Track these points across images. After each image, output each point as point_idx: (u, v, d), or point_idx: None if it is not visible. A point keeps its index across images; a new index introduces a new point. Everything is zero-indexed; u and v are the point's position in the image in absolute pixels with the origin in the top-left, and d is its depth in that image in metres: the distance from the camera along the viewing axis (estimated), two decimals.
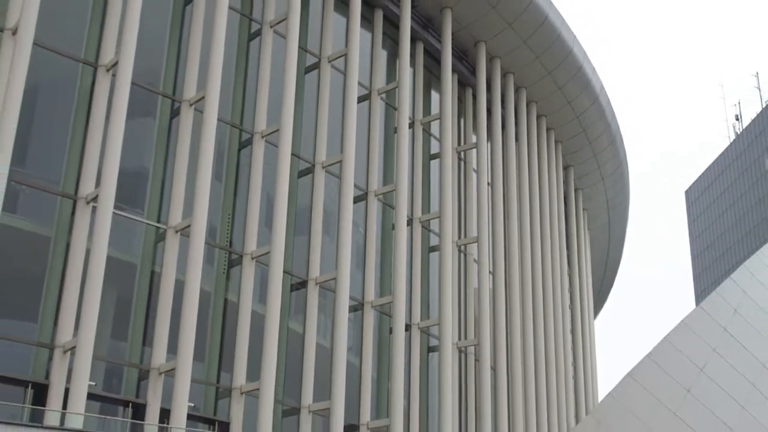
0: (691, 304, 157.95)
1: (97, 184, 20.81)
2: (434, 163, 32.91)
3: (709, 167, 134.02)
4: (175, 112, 23.89)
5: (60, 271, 20.44)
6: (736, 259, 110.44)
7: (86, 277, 19.74)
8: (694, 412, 27.05)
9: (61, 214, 21.00)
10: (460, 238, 33.02)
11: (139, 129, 23.22)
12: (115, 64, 21.74)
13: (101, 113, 21.62)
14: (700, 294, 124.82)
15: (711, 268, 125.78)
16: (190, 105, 23.76)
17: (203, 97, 23.28)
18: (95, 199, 20.58)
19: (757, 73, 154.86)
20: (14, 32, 20.33)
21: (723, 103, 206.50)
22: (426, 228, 31.54)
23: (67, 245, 20.65)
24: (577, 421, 39.39)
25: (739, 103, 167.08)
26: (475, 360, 31.66)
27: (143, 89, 23.15)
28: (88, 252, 20.15)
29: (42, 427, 14.28)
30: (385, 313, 28.24)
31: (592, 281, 50.92)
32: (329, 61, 28.59)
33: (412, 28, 31.62)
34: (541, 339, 35.89)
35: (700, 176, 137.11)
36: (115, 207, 20.68)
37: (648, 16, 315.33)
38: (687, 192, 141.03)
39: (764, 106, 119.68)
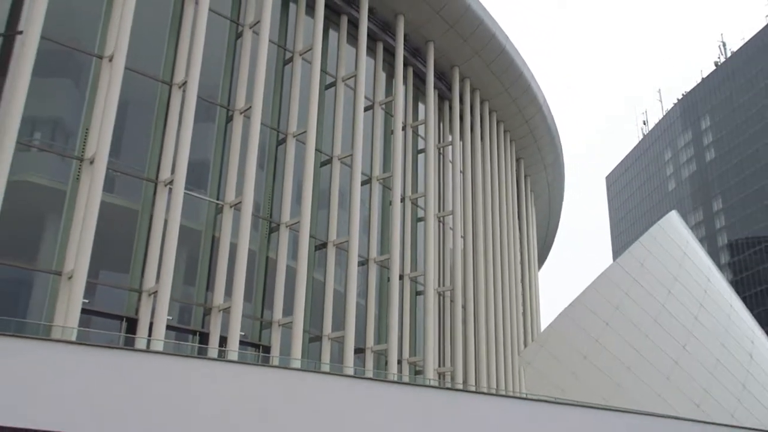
0: (609, 260, 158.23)
1: (172, 171, 20.81)
2: (421, 157, 32.85)
3: (624, 159, 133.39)
4: (229, 119, 23.83)
5: (145, 236, 20.50)
6: (644, 227, 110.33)
7: (165, 240, 19.79)
8: (610, 340, 27.20)
9: (145, 194, 21.01)
10: (439, 211, 33.06)
11: (203, 131, 23.16)
12: (185, 82, 21.69)
13: (175, 119, 21.57)
14: (616, 253, 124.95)
15: (624, 234, 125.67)
16: (241, 113, 23.69)
17: (250, 107, 23.22)
18: (171, 182, 20.60)
19: (660, 89, 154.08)
20: (110, 59, 20.27)
21: (634, 111, 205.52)
22: (414, 204, 31.57)
23: (150, 216, 20.69)
24: (525, 346, 39.65)
25: (645, 112, 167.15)
26: (450, 301, 31.80)
27: (205, 101, 23.07)
28: (165, 222, 20.20)
29: (132, 350, 14.40)
30: (384, 267, 28.31)
31: (537, 243, 51.02)
32: (343, 81, 28.45)
33: (404, 56, 31.54)
34: (498, 286, 36.05)
35: (616, 165, 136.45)
36: (186, 188, 20.72)
37: (578, 43, 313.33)
38: (607, 177, 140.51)
39: (663, 114, 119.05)
